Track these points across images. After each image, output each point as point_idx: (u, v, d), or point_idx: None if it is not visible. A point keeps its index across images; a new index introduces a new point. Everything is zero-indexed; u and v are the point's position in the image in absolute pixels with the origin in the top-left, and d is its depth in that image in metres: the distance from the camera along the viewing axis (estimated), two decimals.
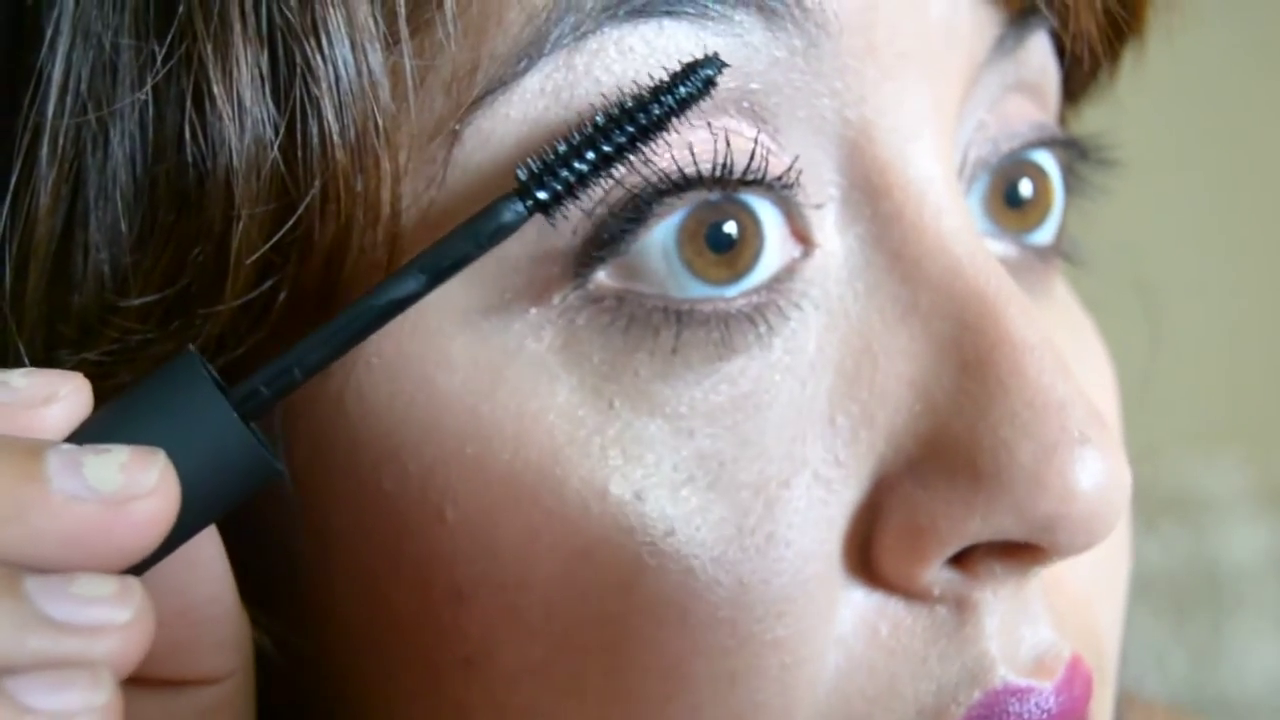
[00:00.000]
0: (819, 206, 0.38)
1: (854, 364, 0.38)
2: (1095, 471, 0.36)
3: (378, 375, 0.38)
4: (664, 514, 0.37)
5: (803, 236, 0.38)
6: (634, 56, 0.36)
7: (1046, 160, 0.43)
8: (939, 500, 0.37)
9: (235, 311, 0.36)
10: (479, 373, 0.37)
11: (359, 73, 0.35)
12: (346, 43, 0.35)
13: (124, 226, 0.36)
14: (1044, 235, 0.43)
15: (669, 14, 0.36)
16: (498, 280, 0.37)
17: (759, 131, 0.37)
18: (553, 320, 0.37)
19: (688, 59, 0.36)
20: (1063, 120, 0.47)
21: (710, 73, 0.35)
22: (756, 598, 0.37)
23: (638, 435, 0.37)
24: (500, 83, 0.36)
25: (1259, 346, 1.54)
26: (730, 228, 0.37)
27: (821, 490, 0.37)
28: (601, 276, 0.37)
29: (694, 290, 0.37)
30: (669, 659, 0.37)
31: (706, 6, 0.36)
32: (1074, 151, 0.44)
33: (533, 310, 0.37)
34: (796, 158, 0.38)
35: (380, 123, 0.36)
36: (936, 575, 0.37)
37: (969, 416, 0.37)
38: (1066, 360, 0.37)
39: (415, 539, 0.37)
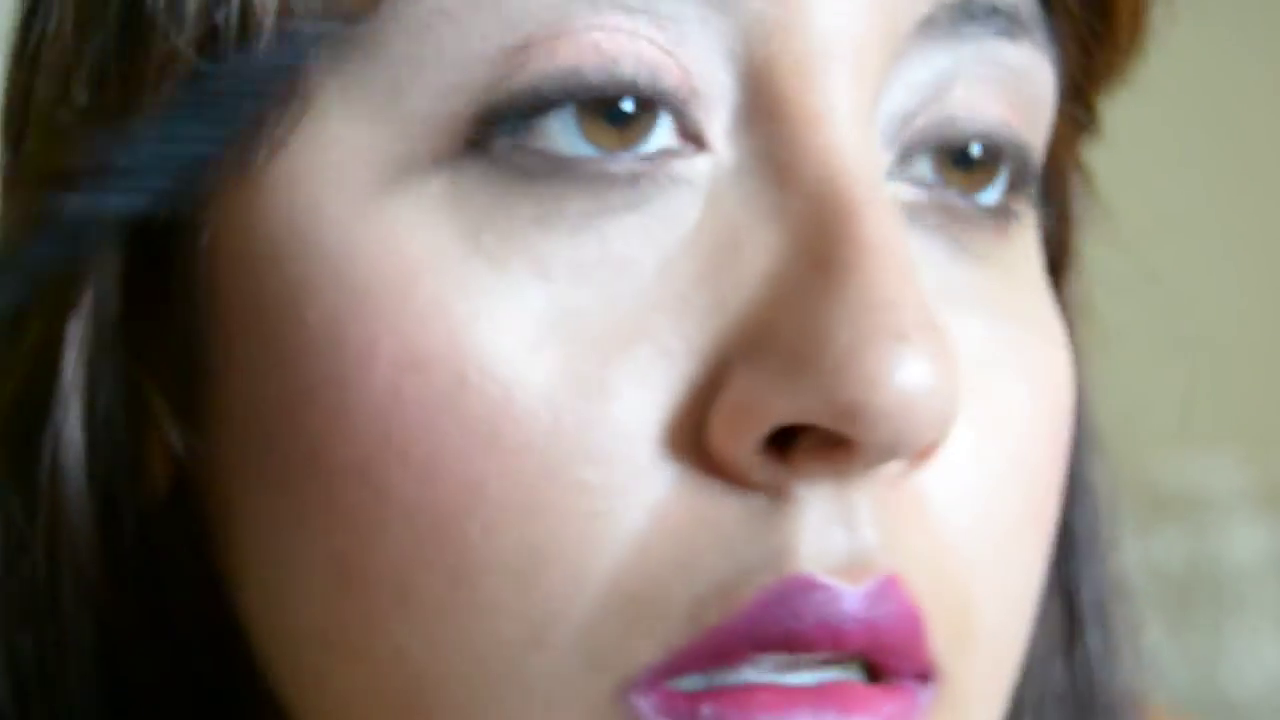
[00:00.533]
0: (711, 114, 0.40)
1: (719, 252, 0.39)
2: (907, 369, 0.37)
3: (280, 182, 0.41)
4: (498, 340, 0.39)
5: (694, 137, 0.40)
6: None
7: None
8: (759, 380, 0.38)
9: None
10: (364, 202, 0.40)
11: None
12: None
13: None
14: (990, 195, 0.43)
15: None
16: (403, 129, 0.40)
17: (659, 41, 0.39)
18: (444, 170, 0.39)
19: None
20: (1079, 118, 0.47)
21: None
22: (573, 439, 0.38)
23: (498, 269, 0.39)
24: None
25: (1259, 346, 1.55)
26: (627, 105, 0.39)
27: (664, 360, 0.39)
28: (497, 135, 0.39)
29: (582, 149, 0.39)
30: (474, 476, 0.38)
31: None
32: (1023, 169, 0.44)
33: (429, 161, 0.40)
34: (691, 75, 0.40)
35: None
36: (752, 458, 0.38)
37: (805, 307, 0.38)
38: (912, 269, 0.38)
39: (285, 339, 0.41)
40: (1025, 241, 0.44)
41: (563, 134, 0.39)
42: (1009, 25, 0.42)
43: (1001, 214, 0.43)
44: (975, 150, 0.42)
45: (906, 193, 0.42)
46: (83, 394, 0.43)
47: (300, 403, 0.40)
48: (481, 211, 0.39)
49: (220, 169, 0.41)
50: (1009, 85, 0.42)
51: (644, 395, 0.39)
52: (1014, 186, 0.43)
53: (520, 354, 0.39)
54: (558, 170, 0.39)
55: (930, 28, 0.41)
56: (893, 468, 0.39)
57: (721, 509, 0.38)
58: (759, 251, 0.39)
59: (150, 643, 0.44)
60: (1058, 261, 0.48)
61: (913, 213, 0.42)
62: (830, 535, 0.38)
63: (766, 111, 0.40)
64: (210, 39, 0.40)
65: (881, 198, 0.39)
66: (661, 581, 0.38)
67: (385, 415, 0.39)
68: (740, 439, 0.38)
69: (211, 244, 0.42)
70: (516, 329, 0.39)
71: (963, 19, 0.41)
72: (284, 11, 0.40)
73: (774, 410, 0.38)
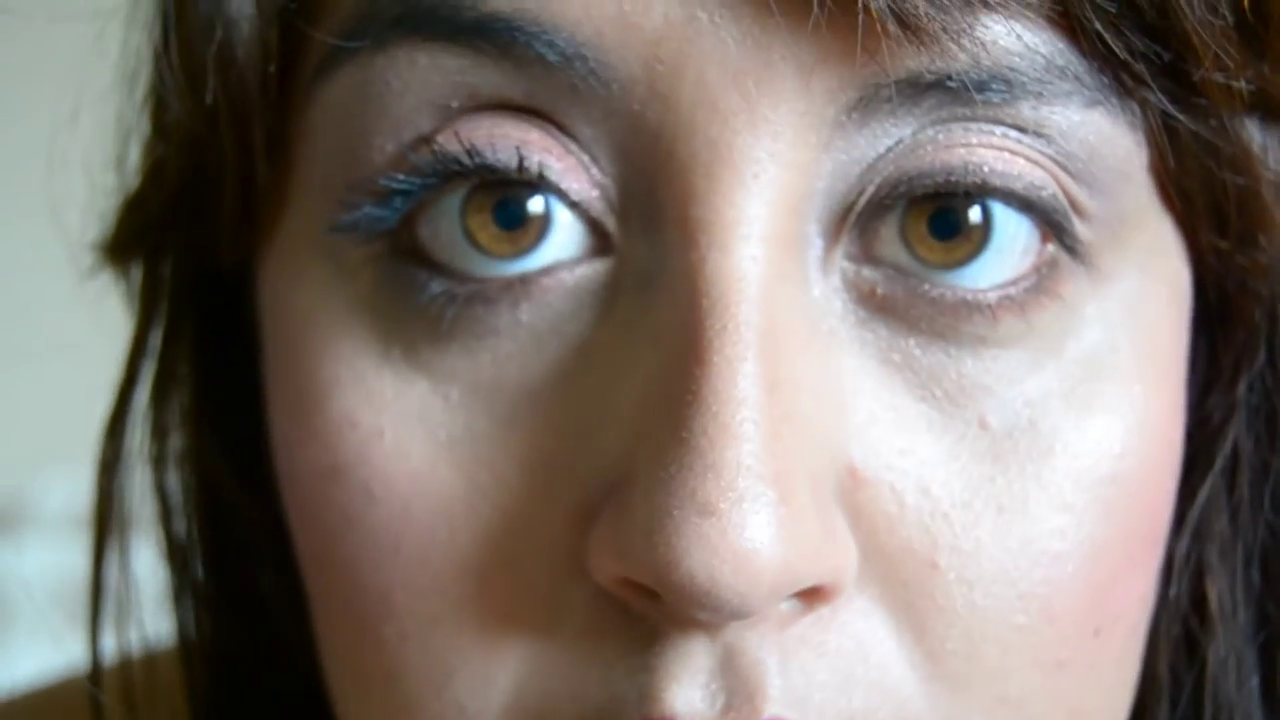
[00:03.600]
0: (610, 216, 0.40)
1: (609, 369, 0.39)
2: (700, 551, 0.36)
3: (269, 269, 0.44)
4: (400, 457, 0.40)
5: (596, 239, 0.40)
6: (418, 69, 0.39)
7: (1000, 211, 0.40)
8: (609, 530, 0.38)
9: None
10: (310, 295, 0.42)
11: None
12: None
13: None
14: (980, 276, 0.40)
15: (453, 42, 0.39)
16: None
17: (552, 136, 0.39)
18: (370, 264, 0.41)
19: (462, 78, 0.39)
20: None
21: None
22: (468, 556, 0.40)
23: (404, 385, 0.40)
24: (324, 68, 0.41)
25: None
26: (516, 207, 0.40)
27: (555, 483, 0.39)
28: (418, 230, 0.40)
29: (475, 263, 0.40)
30: (383, 586, 0.40)
31: (481, 46, 0.39)
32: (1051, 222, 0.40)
33: (359, 250, 0.41)
34: (589, 173, 0.39)
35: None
36: (627, 593, 0.38)
37: (644, 456, 0.38)
38: (769, 422, 0.37)
39: (271, 421, 0.44)
40: (1081, 304, 0.41)
41: (451, 240, 0.40)
42: (983, 92, 0.38)
43: (1025, 288, 0.40)
44: (975, 215, 0.40)
45: (864, 281, 0.40)
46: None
47: (283, 482, 0.43)
48: (392, 321, 0.41)
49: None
50: (1026, 143, 0.39)
51: (537, 516, 0.39)
52: (1047, 245, 0.40)
53: (420, 472, 0.40)
54: (450, 283, 0.40)
55: (868, 108, 0.39)
56: (782, 609, 0.38)
57: (607, 635, 0.39)
58: (639, 374, 0.39)
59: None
60: (1270, 305, 0.45)
61: (869, 304, 0.40)
62: (700, 679, 0.38)
63: (651, 219, 0.39)
64: None
65: (743, 325, 0.37)
66: (555, 700, 0.39)
67: (315, 517, 0.42)
68: (609, 578, 0.38)
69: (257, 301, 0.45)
70: (417, 447, 0.40)
71: (913, 94, 0.38)
72: None
73: (616, 564, 0.38)
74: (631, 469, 0.38)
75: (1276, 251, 0.44)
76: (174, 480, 0.51)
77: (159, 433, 0.50)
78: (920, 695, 0.40)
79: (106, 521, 0.51)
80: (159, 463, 0.50)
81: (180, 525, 0.50)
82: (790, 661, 0.39)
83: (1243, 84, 0.41)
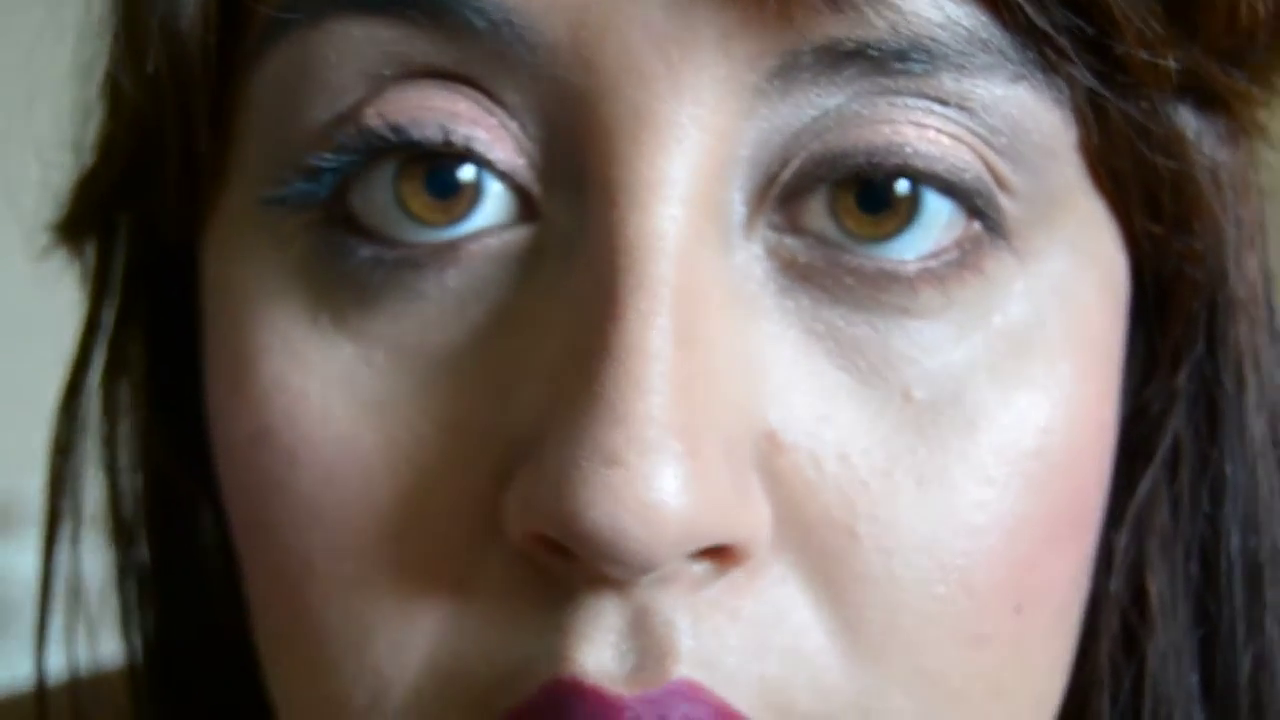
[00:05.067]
0: (537, 181, 0.40)
1: (529, 332, 0.40)
2: (606, 501, 0.36)
3: (210, 242, 0.45)
4: (325, 420, 0.40)
5: (522, 204, 0.40)
6: (353, 41, 0.40)
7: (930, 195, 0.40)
8: (522, 486, 0.38)
9: None
10: (246, 265, 0.43)
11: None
12: None
13: None
14: (904, 249, 0.40)
15: (386, 14, 0.40)
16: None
17: (480, 105, 0.40)
18: (303, 232, 0.41)
19: (394, 48, 0.40)
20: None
21: None
22: (387, 519, 0.40)
23: (330, 349, 0.41)
24: (262, 41, 0.42)
25: None
26: (448, 176, 0.40)
27: (474, 445, 0.40)
28: (350, 199, 0.41)
29: (406, 229, 0.40)
30: (304, 549, 0.41)
31: (412, 15, 0.39)
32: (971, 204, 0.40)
33: (293, 219, 0.41)
34: (517, 141, 0.40)
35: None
36: (538, 551, 0.38)
37: (555, 412, 0.38)
38: (680, 377, 0.37)
39: (207, 388, 0.44)
40: (1006, 281, 0.41)
41: (383, 207, 0.40)
42: (904, 61, 0.39)
43: (946, 261, 0.40)
44: (902, 187, 0.40)
45: (785, 250, 0.40)
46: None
47: (216, 451, 0.44)
48: (322, 287, 0.41)
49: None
50: (950, 118, 0.39)
51: (455, 477, 0.40)
52: (972, 221, 0.40)
53: (344, 435, 0.40)
54: (379, 249, 0.40)
55: (788, 75, 0.39)
56: (694, 570, 0.38)
57: (522, 596, 0.39)
58: (557, 335, 0.39)
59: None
60: (1208, 294, 0.45)
61: (791, 273, 0.40)
62: (611, 639, 0.38)
63: (575, 183, 0.39)
64: None
65: (658, 282, 0.38)
66: (469, 661, 0.39)
67: (243, 482, 0.42)
68: (521, 534, 0.38)
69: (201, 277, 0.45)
70: (341, 410, 0.40)
71: (833, 63, 0.39)
72: None
73: (527, 519, 0.38)
74: (546, 425, 0.38)
75: (1212, 240, 0.45)
76: (124, 461, 0.51)
77: (109, 413, 0.51)
78: (836, 664, 0.39)
79: (59, 505, 0.51)
80: (109, 443, 0.51)
81: (128, 507, 0.51)
82: (702, 624, 0.39)
83: (1171, 63, 0.41)
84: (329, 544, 0.40)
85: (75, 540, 0.52)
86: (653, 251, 0.38)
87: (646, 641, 0.38)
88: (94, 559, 0.52)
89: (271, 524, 0.41)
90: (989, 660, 0.41)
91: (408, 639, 0.40)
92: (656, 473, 0.36)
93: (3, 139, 0.50)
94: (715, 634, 0.39)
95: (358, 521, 0.40)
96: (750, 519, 0.38)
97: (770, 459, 0.39)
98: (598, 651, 0.38)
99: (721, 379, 0.38)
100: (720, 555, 0.38)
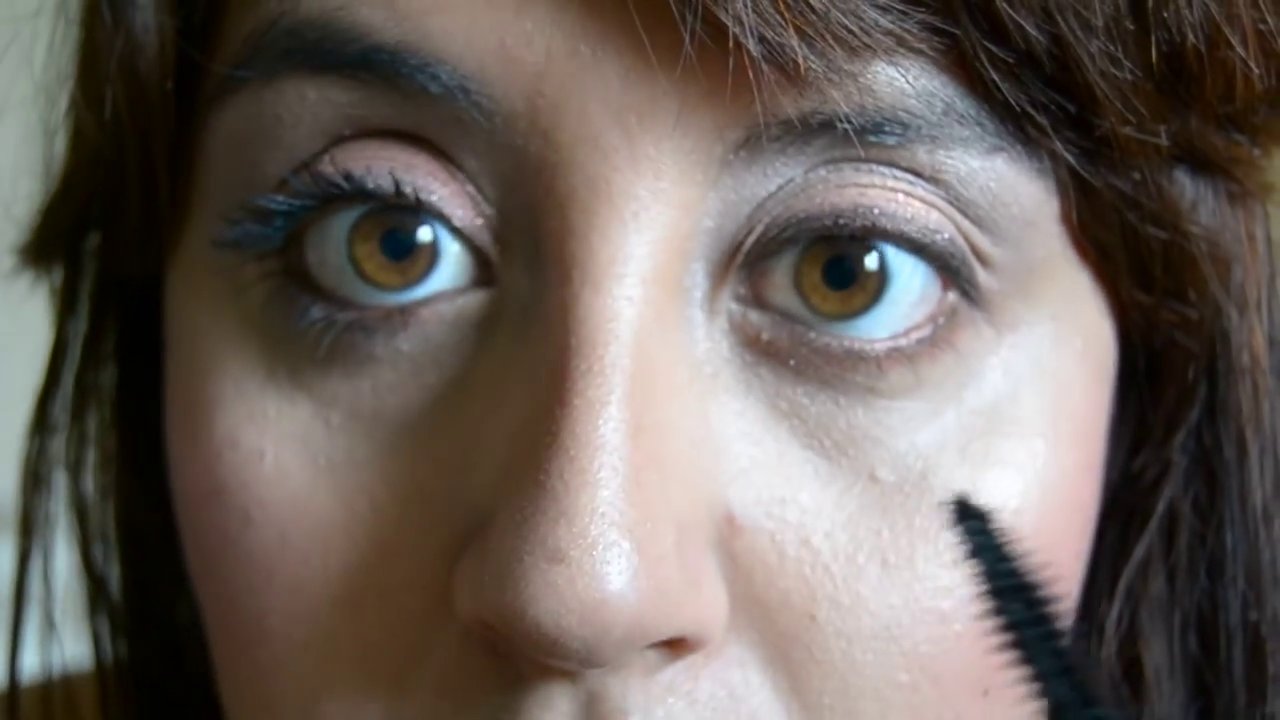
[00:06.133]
0: (496, 246, 0.39)
1: (486, 401, 0.38)
2: (548, 600, 0.35)
3: (171, 282, 0.43)
4: (279, 480, 0.39)
5: (481, 268, 0.39)
6: (308, 102, 0.39)
7: (897, 258, 0.38)
8: (468, 571, 0.37)
9: None
10: (203, 311, 0.41)
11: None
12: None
13: None
14: (872, 328, 0.38)
15: (340, 75, 0.38)
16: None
17: (440, 166, 0.38)
18: (259, 282, 0.40)
19: (352, 110, 0.38)
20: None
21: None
22: (341, 585, 0.39)
23: (287, 406, 0.40)
24: (217, 94, 0.40)
25: None
26: (405, 237, 0.39)
27: (430, 515, 0.38)
28: (306, 253, 0.39)
29: (359, 292, 0.39)
30: (257, 610, 0.40)
31: (366, 79, 0.38)
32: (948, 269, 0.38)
33: (251, 267, 0.40)
34: (476, 203, 0.39)
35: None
36: (482, 630, 0.37)
37: (504, 497, 0.37)
38: (629, 468, 0.36)
39: (166, 434, 0.43)
40: (981, 355, 0.39)
41: (337, 268, 0.39)
42: (876, 134, 0.37)
43: (918, 339, 0.38)
44: (871, 262, 0.38)
45: (750, 326, 0.38)
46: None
47: (175, 499, 0.43)
48: (277, 341, 0.40)
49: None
50: (919, 186, 0.38)
51: (410, 548, 0.38)
52: (947, 293, 0.38)
53: (299, 496, 0.39)
54: (331, 310, 0.39)
55: (754, 147, 0.37)
56: (648, 655, 0.37)
57: (474, 674, 0.38)
58: (512, 410, 0.38)
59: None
60: (1206, 361, 0.44)
61: (755, 349, 0.38)
62: None
63: (532, 252, 0.38)
64: None
65: (610, 368, 0.36)
66: None
67: (198, 536, 0.41)
68: (469, 618, 0.37)
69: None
70: (296, 471, 0.39)
71: (801, 134, 0.37)
72: None
73: (473, 607, 0.37)
74: (495, 508, 0.37)
75: (1209, 307, 0.42)
76: (92, 489, 0.50)
77: (77, 441, 0.50)
78: None
79: (31, 526, 0.51)
80: (77, 471, 0.50)
81: (96, 537, 0.50)
82: (656, 709, 0.37)
83: (1162, 138, 0.39)
84: (282, 607, 0.39)
85: (48, 557, 0.51)
86: (605, 334, 0.37)
87: None
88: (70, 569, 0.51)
89: (224, 580, 0.40)
90: None
91: (358, 712, 0.39)
92: (600, 571, 0.35)
93: None
94: (670, 718, 0.37)
95: (311, 586, 0.39)
96: (701, 611, 0.37)
97: (729, 541, 0.38)
98: None
99: (676, 464, 0.37)
100: (673, 644, 0.37)
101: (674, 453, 0.37)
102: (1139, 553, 0.45)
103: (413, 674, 0.39)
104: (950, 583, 0.38)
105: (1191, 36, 0.38)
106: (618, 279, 0.37)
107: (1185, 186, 0.40)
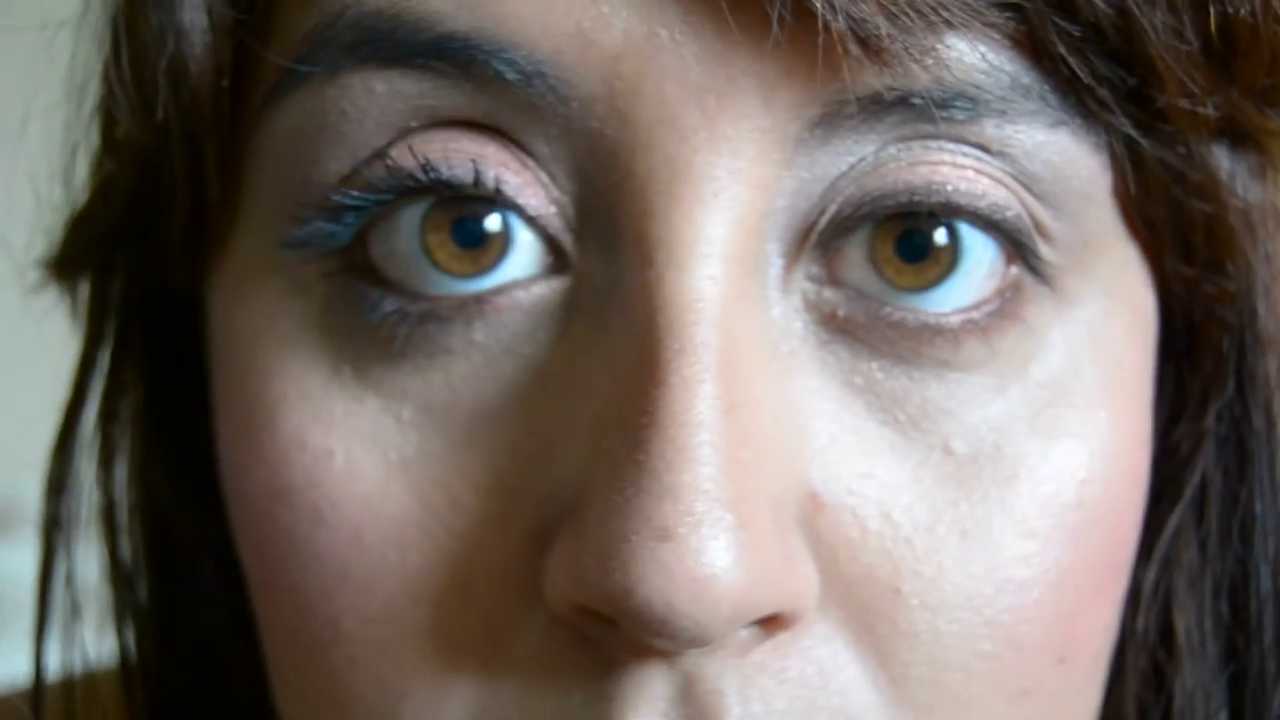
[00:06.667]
0: (570, 233, 0.39)
1: (566, 390, 0.38)
2: (659, 577, 0.35)
3: (219, 288, 0.43)
4: (351, 479, 0.39)
5: (554, 256, 0.39)
6: (375, 96, 0.38)
7: (967, 233, 0.39)
8: (565, 556, 0.37)
9: None
10: (259, 313, 0.41)
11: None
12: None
13: None
14: (944, 300, 0.39)
15: (410, 66, 0.38)
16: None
17: (511, 154, 0.38)
18: (321, 281, 0.40)
19: (421, 101, 0.38)
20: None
21: None
22: (418, 582, 0.39)
23: (355, 404, 0.39)
24: (276, 92, 0.40)
25: None
26: (475, 225, 0.39)
27: (509, 506, 0.38)
28: (371, 248, 0.39)
29: (432, 281, 0.39)
30: (331, 611, 0.39)
31: (438, 67, 0.38)
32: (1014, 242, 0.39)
33: (310, 266, 0.40)
34: (548, 190, 0.39)
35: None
36: (581, 620, 0.37)
37: (600, 480, 0.37)
38: (727, 445, 0.36)
39: (220, 440, 0.43)
40: (1045, 328, 0.40)
41: (408, 258, 0.39)
42: (947, 109, 0.38)
43: (988, 311, 0.39)
44: (941, 236, 0.39)
45: (825, 303, 0.39)
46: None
47: (231, 505, 0.42)
48: (343, 339, 0.40)
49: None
50: (989, 162, 0.39)
51: (492, 540, 0.38)
52: (1011, 266, 0.39)
53: (372, 494, 0.39)
54: (403, 302, 0.39)
55: (831, 125, 0.38)
56: (741, 635, 0.37)
57: (563, 662, 0.38)
58: (595, 395, 0.38)
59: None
60: (1238, 333, 0.44)
61: (830, 326, 0.39)
62: (659, 707, 0.37)
63: (608, 237, 0.38)
64: None
65: (701, 347, 0.37)
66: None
67: (263, 541, 0.40)
68: (565, 604, 0.37)
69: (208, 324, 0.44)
70: (368, 469, 0.39)
71: (876, 111, 0.38)
72: None
73: (571, 591, 0.37)
74: (587, 492, 0.37)
75: (1244, 280, 0.44)
76: (121, 500, 0.50)
77: (105, 453, 0.49)
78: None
79: (54, 537, 0.50)
80: (106, 483, 0.49)
81: (125, 547, 0.49)
82: (750, 689, 0.38)
83: (1210, 110, 0.40)
84: (357, 607, 0.39)
85: (71, 571, 0.50)
86: (693, 314, 0.37)
87: (693, 710, 0.37)
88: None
89: (294, 585, 0.40)
90: (1032, 712, 0.40)
91: (443, 706, 0.39)
92: (708, 547, 0.35)
93: None
94: (762, 698, 0.38)
95: (389, 584, 0.39)
96: (798, 585, 0.38)
97: (813, 519, 0.38)
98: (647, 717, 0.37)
99: (767, 442, 0.37)
100: (767, 621, 0.38)
101: (764, 431, 0.37)
102: (1174, 522, 0.46)
103: (498, 667, 0.39)
104: (1028, 551, 0.39)
105: (1245, 8, 0.39)
106: (702, 259, 0.37)
107: (1224, 160, 0.42)
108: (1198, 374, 0.45)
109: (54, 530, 0.50)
